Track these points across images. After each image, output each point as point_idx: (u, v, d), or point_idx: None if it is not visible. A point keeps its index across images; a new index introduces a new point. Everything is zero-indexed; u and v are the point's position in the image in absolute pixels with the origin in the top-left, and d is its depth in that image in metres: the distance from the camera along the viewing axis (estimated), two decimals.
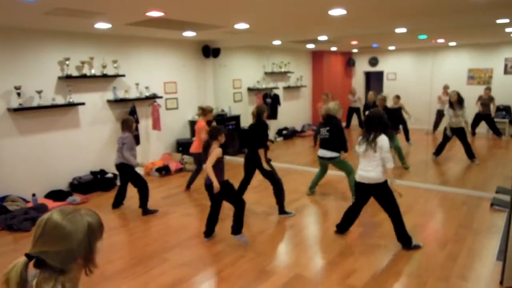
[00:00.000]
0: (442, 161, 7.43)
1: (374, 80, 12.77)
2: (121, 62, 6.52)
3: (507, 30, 6.89)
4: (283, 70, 10.46)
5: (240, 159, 7.40)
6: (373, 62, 12.13)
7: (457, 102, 6.94)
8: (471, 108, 8.34)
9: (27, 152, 5.50)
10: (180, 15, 4.75)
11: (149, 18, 4.78)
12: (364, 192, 3.89)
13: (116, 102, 6.51)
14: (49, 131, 5.74)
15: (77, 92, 6.00)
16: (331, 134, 5.09)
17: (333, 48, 11.08)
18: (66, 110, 5.91)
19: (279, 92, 10.37)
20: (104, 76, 6.24)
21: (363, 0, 4.15)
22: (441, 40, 9.33)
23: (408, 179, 6.23)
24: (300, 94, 11.40)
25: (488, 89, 8.87)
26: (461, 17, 5.17)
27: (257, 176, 4.99)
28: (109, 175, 6.26)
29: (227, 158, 7.09)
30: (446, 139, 7.18)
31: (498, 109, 9.56)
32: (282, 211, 4.84)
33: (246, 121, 8.21)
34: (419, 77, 10.49)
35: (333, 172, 5.96)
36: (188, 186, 6.04)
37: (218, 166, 3.91)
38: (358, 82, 12.58)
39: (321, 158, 5.27)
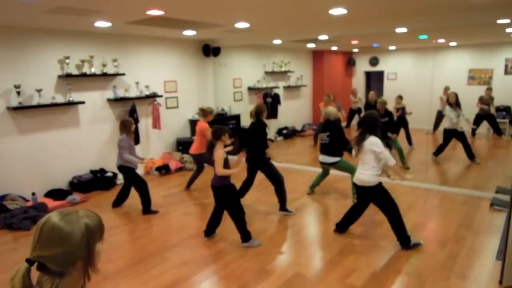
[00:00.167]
0: (442, 161, 7.43)
1: (374, 80, 12.77)
2: (121, 61, 6.52)
3: (508, 30, 6.90)
4: (283, 69, 10.44)
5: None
6: (374, 62, 12.12)
7: (456, 103, 7.03)
8: (472, 109, 8.34)
9: (27, 151, 5.50)
10: (180, 14, 4.75)
11: (149, 16, 4.77)
12: (362, 194, 3.90)
13: (116, 101, 6.50)
14: (49, 130, 5.73)
15: (77, 91, 5.99)
16: (331, 139, 5.12)
17: (334, 48, 11.07)
18: (66, 109, 5.91)
19: (280, 91, 10.36)
20: (104, 74, 6.23)
21: (363, 0, 4.15)
22: (441, 40, 9.32)
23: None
24: (301, 94, 11.40)
25: (489, 89, 8.88)
26: (462, 17, 5.17)
27: (258, 175, 4.99)
28: (109, 174, 6.26)
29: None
30: (446, 142, 7.21)
31: (498, 109, 9.56)
32: (283, 208, 4.87)
33: (246, 121, 8.19)
34: (419, 77, 10.48)
35: (333, 172, 5.94)
36: (188, 186, 6.04)
37: (224, 167, 3.85)
38: (358, 81, 12.58)
39: (322, 163, 5.32)
